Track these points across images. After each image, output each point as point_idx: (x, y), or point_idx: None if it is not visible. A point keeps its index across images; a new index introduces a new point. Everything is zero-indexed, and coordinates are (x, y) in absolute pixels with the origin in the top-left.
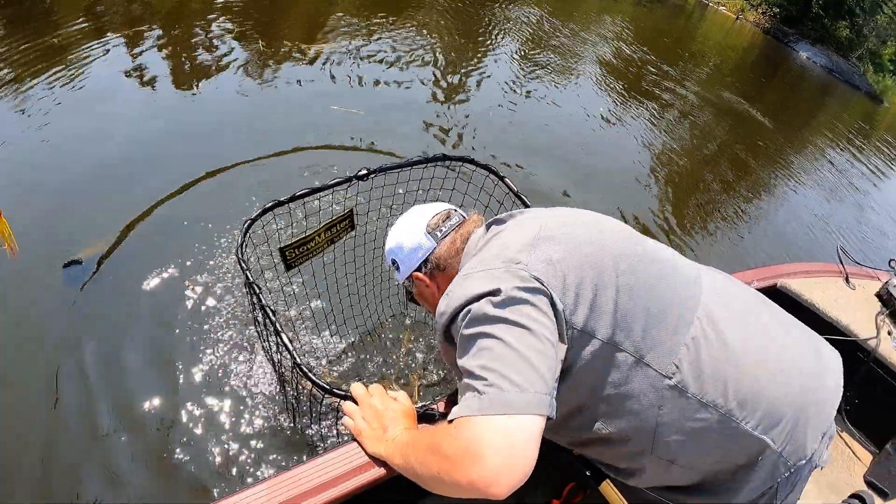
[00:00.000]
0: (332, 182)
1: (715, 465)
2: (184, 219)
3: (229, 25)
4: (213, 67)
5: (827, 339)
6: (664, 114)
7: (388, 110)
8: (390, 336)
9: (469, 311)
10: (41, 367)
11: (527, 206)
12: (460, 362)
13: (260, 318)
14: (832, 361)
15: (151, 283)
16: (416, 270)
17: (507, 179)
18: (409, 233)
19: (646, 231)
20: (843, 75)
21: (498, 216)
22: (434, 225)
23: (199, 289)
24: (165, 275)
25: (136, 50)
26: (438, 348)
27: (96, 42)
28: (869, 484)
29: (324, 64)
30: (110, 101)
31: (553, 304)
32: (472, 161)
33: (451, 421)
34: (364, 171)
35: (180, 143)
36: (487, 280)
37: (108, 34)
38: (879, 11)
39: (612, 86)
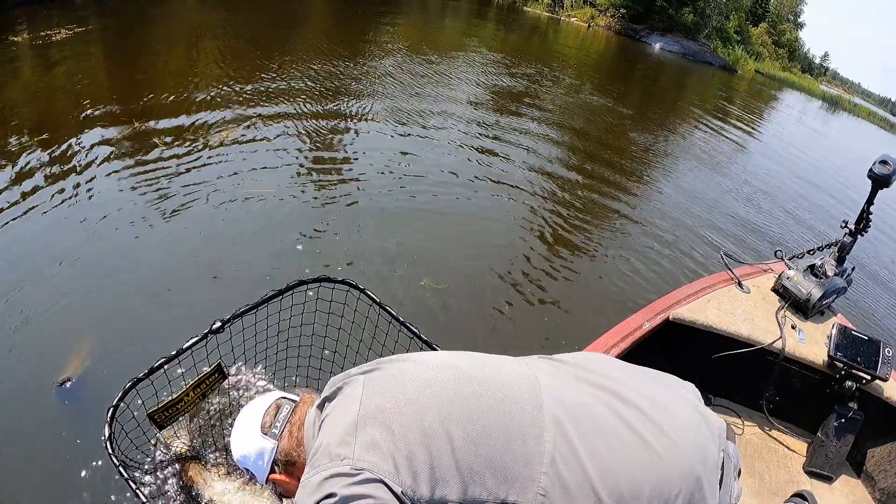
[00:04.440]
0: (187, 344)
1: None
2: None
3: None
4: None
5: (735, 353)
6: (536, 138)
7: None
8: None
9: None
10: None
11: (392, 316)
12: None
13: None
14: (707, 412)
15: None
16: (270, 473)
17: (368, 291)
18: (247, 440)
19: (520, 284)
20: (696, 56)
21: (326, 392)
22: (268, 424)
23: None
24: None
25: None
26: None
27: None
28: (810, 474)
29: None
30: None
31: (391, 489)
32: (328, 279)
33: None
34: (218, 324)
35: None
36: (319, 484)
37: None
38: None
39: (474, 131)
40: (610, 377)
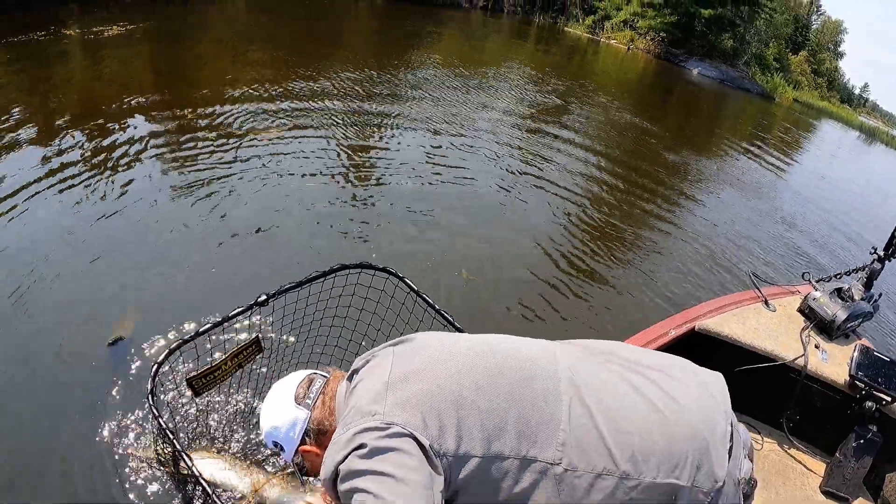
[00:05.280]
0: (234, 313)
1: None
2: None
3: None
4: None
5: (757, 367)
6: (569, 163)
7: (291, 211)
8: None
9: (340, 470)
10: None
11: (429, 304)
12: None
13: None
14: (716, 385)
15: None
16: (300, 445)
17: (406, 279)
18: (280, 411)
19: (554, 293)
20: (734, 82)
21: (355, 365)
22: (301, 395)
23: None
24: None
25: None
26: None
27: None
28: (826, 494)
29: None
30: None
31: (418, 443)
32: (370, 266)
33: None
34: (263, 297)
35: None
36: (351, 437)
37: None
38: (757, 17)
39: (514, 141)
40: (621, 355)
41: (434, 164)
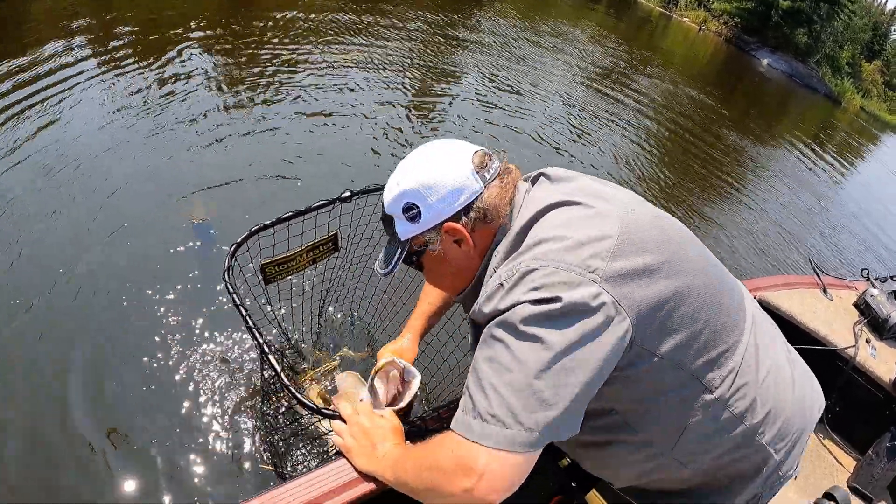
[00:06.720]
0: (316, 205)
1: (720, 472)
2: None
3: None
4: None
5: (807, 348)
6: (631, 125)
7: (363, 127)
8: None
9: (510, 312)
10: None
11: None
12: (476, 354)
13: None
14: (817, 385)
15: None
16: (449, 220)
17: None
18: (449, 170)
19: None
20: (802, 80)
21: (545, 171)
22: (480, 164)
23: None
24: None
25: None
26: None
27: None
28: (852, 489)
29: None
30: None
31: (622, 328)
32: None
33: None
34: (347, 194)
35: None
36: (549, 282)
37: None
38: (836, 17)
39: (578, 96)
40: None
41: (497, 105)
